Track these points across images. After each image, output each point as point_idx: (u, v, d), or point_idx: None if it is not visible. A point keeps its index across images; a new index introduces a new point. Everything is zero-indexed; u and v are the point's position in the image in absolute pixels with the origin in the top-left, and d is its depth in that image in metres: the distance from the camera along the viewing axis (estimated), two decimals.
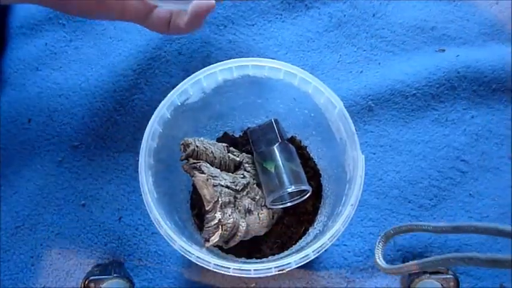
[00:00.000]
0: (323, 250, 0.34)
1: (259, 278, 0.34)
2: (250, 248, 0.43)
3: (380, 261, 0.31)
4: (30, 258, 0.46)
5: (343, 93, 0.50)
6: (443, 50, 0.52)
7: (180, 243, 0.34)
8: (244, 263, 0.37)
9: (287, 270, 0.33)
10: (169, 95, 0.37)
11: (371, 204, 0.48)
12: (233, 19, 0.53)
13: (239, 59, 0.38)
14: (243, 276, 0.33)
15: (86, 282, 0.41)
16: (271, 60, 0.38)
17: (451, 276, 0.42)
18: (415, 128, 0.50)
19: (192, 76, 0.37)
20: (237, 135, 0.48)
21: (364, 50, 0.52)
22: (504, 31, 0.53)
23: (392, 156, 0.49)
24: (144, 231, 0.47)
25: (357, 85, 0.51)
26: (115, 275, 0.41)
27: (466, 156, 0.49)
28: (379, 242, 0.32)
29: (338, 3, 0.53)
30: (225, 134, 0.47)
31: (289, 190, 0.39)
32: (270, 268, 0.33)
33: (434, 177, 0.49)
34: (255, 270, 0.33)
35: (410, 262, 0.27)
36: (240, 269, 0.33)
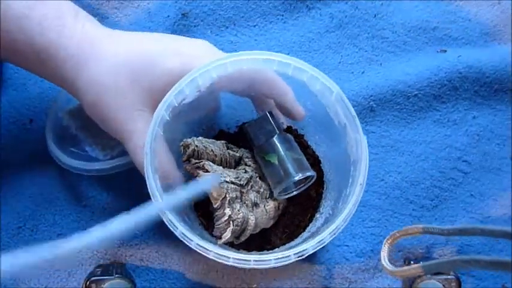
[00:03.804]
0: (338, 232, 0.34)
1: (277, 267, 0.34)
2: (260, 241, 0.43)
3: (386, 263, 0.31)
4: None
5: (345, 93, 0.49)
6: (445, 51, 0.52)
7: (197, 241, 0.34)
8: (261, 254, 0.37)
9: (306, 255, 0.34)
10: (166, 96, 0.37)
11: (373, 204, 0.48)
12: (234, 20, 0.53)
13: (232, 53, 0.37)
14: (262, 267, 0.34)
15: (88, 282, 0.41)
16: (264, 52, 0.37)
17: (453, 276, 0.42)
18: (417, 128, 0.50)
19: (187, 75, 0.37)
20: (233, 132, 0.48)
21: (366, 51, 0.52)
22: (506, 31, 0.53)
23: (394, 156, 0.49)
24: (145, 232, 0.47)
25: (359, 86, 0.51)
26: (116, 275, 0.41)
27: (468, 156, 0.49)
28: (385, 244, 0.32)
29: (339, 4, 0.53)
30: (221, 131, 0.48)
31: (296, 178, 0.39)
32: (289, 256, 0.34)
33: (436, 177, 0.49)
34: (275, 259, 0.34)
35: (416, 265, 0.27)
36: (260, 260, 0.34)
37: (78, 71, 0.37)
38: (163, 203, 0.34)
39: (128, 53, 0.38)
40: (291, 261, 0.34)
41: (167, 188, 0.38)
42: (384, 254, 0.32)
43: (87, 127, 0.47)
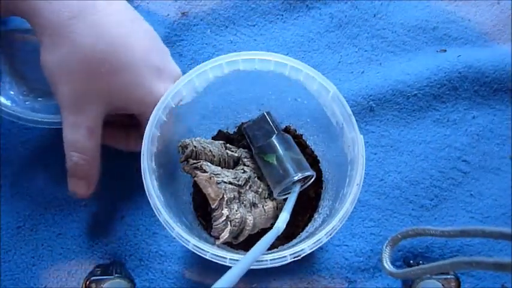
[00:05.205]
0: (335, 232, 0.34)
1: (276, 267, 0.34)
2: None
3: (387, 265, 0.31)
4: (32, 258, 0.46)
5: (344, 93, 0.50)
6: (445, 50, 0.52)
7: (194, 242, 0.34)
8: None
9: (302, 256, 0.34)
10: (163, 97, 0.37)
11: (372, 204, 0.48)
12: (234, 20, 0.53)
13: (229, 54, 0.37)
14: (258, 268, 0.34)
15: (87, 282, 0.41)
16: (260, 52, 0.37)
17: (453, 276, 0.41)
18: (417, 128, 0.50)
19: (184, 76, 0.37)
20: (231, 132, 0.48)
21: (366, 51, 0.52)
22: (505, 31, 0.53)
23: (393, 156, 0.49)
24: (145, 232, 0.47)
25: (358, 85, 0.51)
26: (116, 275, 0.41)
27: (468, 156, 0.49)
28: (386, 246, 0.32)
29: (339, 4, 0.53)
30: (220, 131, 0.47)
31: (296, 178, 0.39)
32: (285, 256, 0.34)
33: (435, 177, 0.49)
34: (271, 260, 0.34)
35: (417, 267, 0.27)
36: (256, 261, 0.34)
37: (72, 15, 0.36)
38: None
39: (114, 46, 0.37)
40: (287, 262, 0.34)
41: (164, 188, 0.38)
42: (386, 256, 0.32)
43: (18, 62, 0.41)
